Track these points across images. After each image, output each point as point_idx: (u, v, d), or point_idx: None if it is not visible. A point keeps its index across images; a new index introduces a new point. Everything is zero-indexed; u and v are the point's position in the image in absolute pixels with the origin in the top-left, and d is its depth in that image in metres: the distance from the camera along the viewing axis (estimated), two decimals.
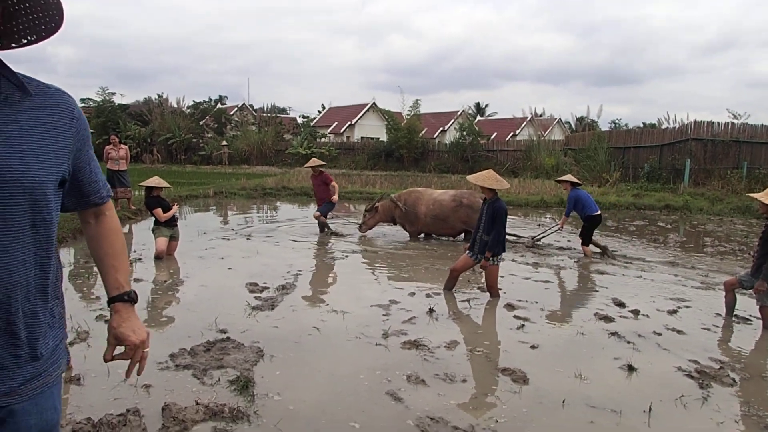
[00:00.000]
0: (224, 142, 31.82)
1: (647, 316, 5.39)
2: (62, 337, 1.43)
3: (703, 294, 6.44)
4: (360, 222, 10.04)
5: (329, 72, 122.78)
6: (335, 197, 9.88)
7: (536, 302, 5.74)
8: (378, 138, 37.21)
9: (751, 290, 5.33)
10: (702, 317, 5.47)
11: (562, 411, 3.34)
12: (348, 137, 41.44)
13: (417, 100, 35.87)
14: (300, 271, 6.84)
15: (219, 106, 39.53)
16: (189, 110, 36.47)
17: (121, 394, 3.29)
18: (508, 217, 5.97)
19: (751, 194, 5.45)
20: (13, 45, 1.36)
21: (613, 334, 4.79)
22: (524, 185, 19.67)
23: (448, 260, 7.65)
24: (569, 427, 3.17)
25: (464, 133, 30.80)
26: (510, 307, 5.53)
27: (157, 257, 7.17)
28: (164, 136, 32.07)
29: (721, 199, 17.00)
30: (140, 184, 8.10)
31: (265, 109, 38.88)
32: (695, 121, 20.17)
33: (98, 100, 32.96)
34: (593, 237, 8.88)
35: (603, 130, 28.63)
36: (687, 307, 5.81)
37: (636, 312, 5.46)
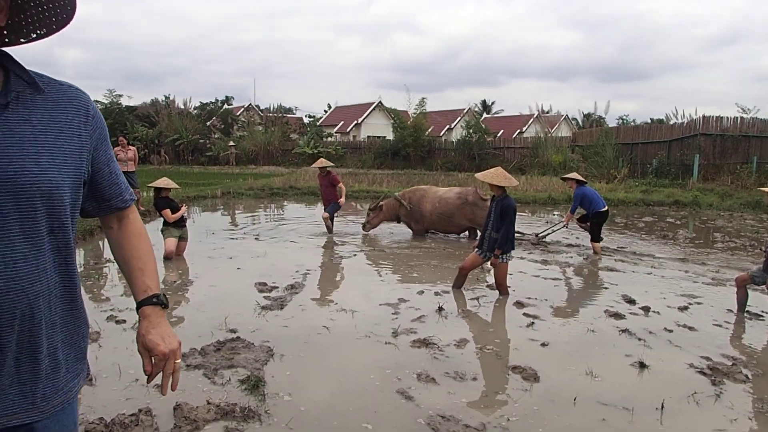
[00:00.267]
0: (231, 143, 31.87)
1: (658, 312, 5.36)
2: (84, 349, 1.35)
3: (714, 290, 6.40)
4: (364, 221, 10.03)
5: (335, 71, 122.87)
6: (342, 199, 9.79)
7: (546, 299, 5.72)
8: (384, 137, 37.18)
9: (763, 286, 5.29)
10: (713, 313, 5.43)
11: (573, 409, 3.32)
12: (354, 136, 41.45)
13: (423, 98, 35.53)
14: (308, 270, 6.85)
15: (225, 106, 39.59)
16: (196, 111, 36.55)
17: (133, 394, 3.31)
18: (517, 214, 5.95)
19: (762, 188, 5.41)
20: (22, 40, 1.28)
21: (623, 331, 4.76)
22: (532, 182, 19.60)
23: (456, 259, 7.64)
24: (581, 425, 3.16)
25: (471, 130, 30.66)
26: (519, 304, 5.51)
27: (167, 258, 7.20)
28: (171, 138, 32.17)
29: (731, 194, 16.87)
30: (149, 185, 8.14)
31: (272, 109, 38.92)
32: (704, 116, 20.00)
33: (106, 102, 33.02)
34: (584, 225, 9.04)
35: (610, 126, 28.48)
36: (698, 303, 5.77)
37: (647, 309, 5.43)
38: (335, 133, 41.57)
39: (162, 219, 7.53)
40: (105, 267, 6.89)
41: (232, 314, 4.80)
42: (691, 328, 4.91)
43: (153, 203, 8.39)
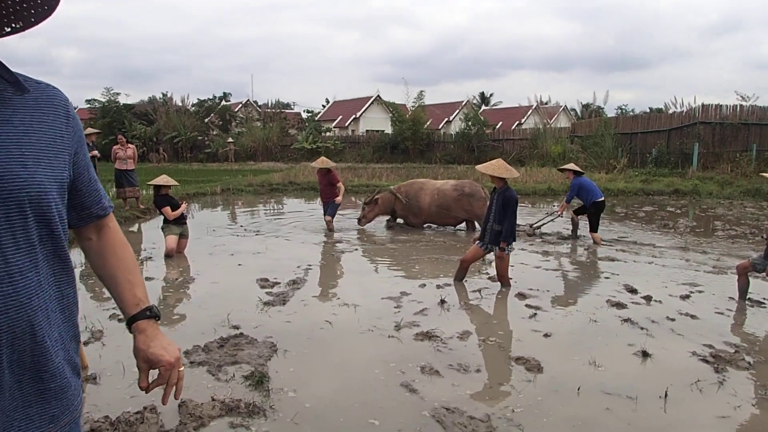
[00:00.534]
0: (230, 139, 31.81)
1: (660, 301, 5.37)
2: (79, 364, 1.26)
3: (716, 278, 6.40)
4: (359, 215, 9.96)
5: (333, 66, 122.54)
6: (339, 198, 9.68)
7: (547, 290, 5.73)
8: (383, 130, 37.12)
9: (764, 273, 5.29)
10: (715, 301, 5.43)
11: (577, 399, 3.33)
12: (353, 130, 41.37)
13: (421, 91, 35.34)
14: (310, 265, 6.85)
15: (223, 103, 39.44)
16: (194, 108, 36.44)
17: (138, 392, 3.28)
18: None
19: (764, 173, 5.40)
20: None
21: (626, 320, 4.77)
22: (531, 174, 19.59)
23: (456, 251, 7.64)
24: (585, 414, 3.17)
25: (469, 123, 30.64)
26: (521, 296, 5.52)
27: (168, 255, 7.20)
28: (170, 135, 32.11)
29: (731, 182, 16.87)
30: (149, 182, 8.13)
31: (270, 104, 38.89)
32: (703, 105, 19.95)
33: (103, 100, 32.94)
34: (574, 216, 9.14)
35: (609, 116, 28.40)
36: (699, 291, 5.77)
37: (648, 298, 5.43)
38: (334, 127, 41.47)
39: (162, 216, 7.53)
40: None
41: (235, 311, 4.81)
42: (693, 317, 4.92)
43: (153, 201, 8.38)
